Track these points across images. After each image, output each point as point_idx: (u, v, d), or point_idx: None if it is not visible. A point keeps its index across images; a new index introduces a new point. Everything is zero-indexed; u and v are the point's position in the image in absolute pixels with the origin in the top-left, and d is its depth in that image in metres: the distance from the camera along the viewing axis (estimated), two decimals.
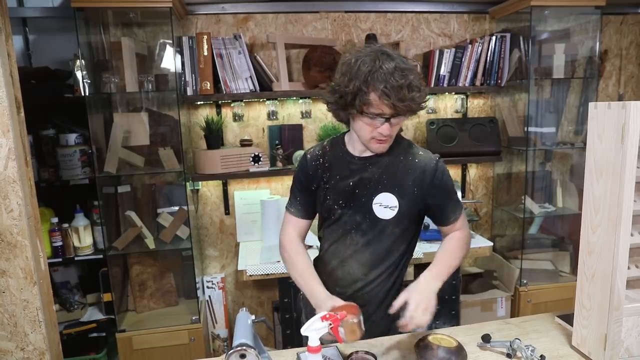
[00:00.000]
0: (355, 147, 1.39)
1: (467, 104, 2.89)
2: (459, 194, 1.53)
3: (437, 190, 1.36)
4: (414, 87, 1.22)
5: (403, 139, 1.42)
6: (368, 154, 1.37)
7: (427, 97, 1.39)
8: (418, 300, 1.24)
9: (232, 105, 2.62)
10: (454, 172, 2.98)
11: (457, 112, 2.89)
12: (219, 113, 2.67)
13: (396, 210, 1.34)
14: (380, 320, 1.44)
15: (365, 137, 1.30)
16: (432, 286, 1.29)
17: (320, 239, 1.55)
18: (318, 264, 1.51)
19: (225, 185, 2.75)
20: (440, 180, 1.36)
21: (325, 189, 1.41)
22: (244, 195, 2.75)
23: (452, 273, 1.37)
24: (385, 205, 1.34)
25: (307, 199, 1.46)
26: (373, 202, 1.35)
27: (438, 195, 1.37)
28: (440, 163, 1.38)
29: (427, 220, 1.58)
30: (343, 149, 1.41)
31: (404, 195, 1.34)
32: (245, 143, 2.62)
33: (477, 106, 2.95)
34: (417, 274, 2.84)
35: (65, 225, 2.36)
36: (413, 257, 1.52)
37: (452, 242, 1.43)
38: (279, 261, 2.35)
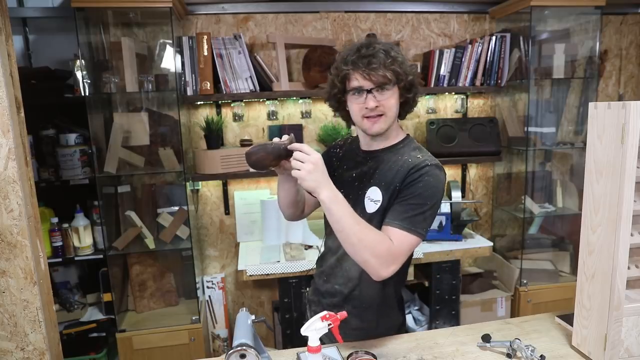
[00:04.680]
0: (362, 141, 1.44)
1: (467, 104, 2.89)
2: (433, 215, 1.28)
3: (405, 185, 1.27)
4: (386, 56, 1.25)
5: (413, 142, 1.40)
6: (372, 148, 1.40)
7: (414, 69, 1.32)
8: (318, 167, 1.18)
9: (232, 105, 2.62)
10: (454, 172, 2.98)
11: (457, 112, 2.89)
12: (219, 113, 2.67)
13: (379, 204, 1.32)
14: (378, 320, 1.43)
15: (358, 119, 1.33)
16: (333, 195, 1.19)
17: (325, 237, 1.55)
18: (321, 262, 1.52)
19: (225, 185, 2.75)
20: (414, 180, 1.25)
21: (333, 176, 1.42)
22: (244, 195, 2.75)
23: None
24: (372, 199, 1.34)
25: None
26: (365, 196, 1.35)
27: (402, 191, 1.27)
28: (430, 168, 1.26)
29: None
30: (357, 144, 1.47)
31: (388, 190, 1.31)
32: (245, 143, 2.62)
33: (477, 106, 2.95)
34: (417, 274, 2.81)
35: (65, 225, 2.36)
36: (413, 257, 1.51)
37: (379, 234, 1.22)
38: (278, 261, 2.35)
